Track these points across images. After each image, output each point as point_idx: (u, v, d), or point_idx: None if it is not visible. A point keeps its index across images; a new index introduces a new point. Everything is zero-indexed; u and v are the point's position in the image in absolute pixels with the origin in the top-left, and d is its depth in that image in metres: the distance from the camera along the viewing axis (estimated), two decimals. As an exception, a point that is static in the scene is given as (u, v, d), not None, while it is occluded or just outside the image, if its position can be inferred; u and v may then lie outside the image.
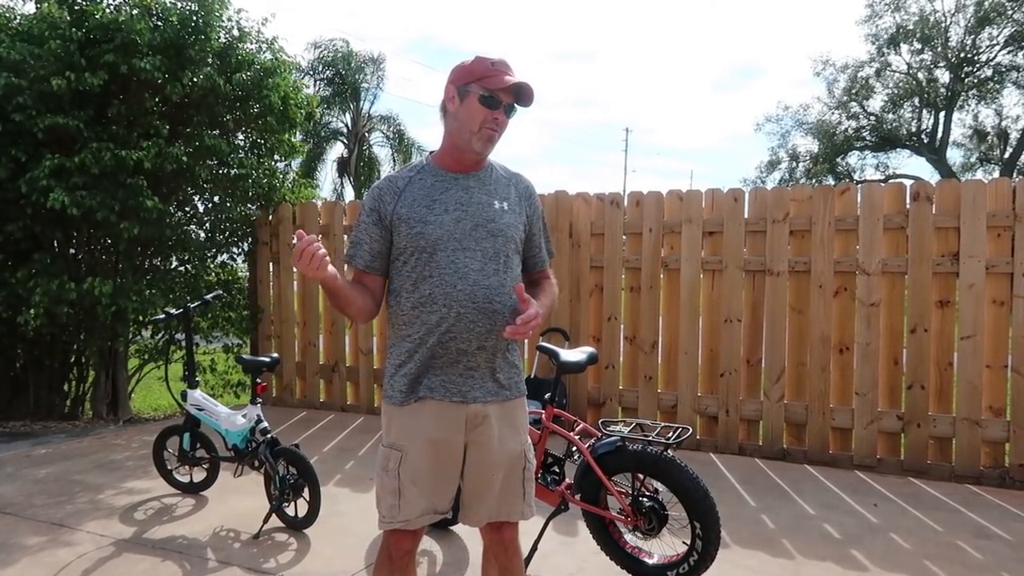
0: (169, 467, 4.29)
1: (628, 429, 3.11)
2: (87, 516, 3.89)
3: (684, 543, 2.97)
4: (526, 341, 5.77)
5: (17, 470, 4.71)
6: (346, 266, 2.20)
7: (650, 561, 3.07)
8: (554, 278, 2.33)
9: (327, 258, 1.90)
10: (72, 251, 6.04)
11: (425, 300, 2.03)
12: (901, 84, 24.41)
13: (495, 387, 2.09)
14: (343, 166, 27.33)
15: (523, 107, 2.07)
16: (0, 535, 3.63)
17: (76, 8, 5.53)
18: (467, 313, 2.01)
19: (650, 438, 3.00)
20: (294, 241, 1.91)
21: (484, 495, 2.12)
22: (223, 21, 5.93)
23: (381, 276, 2.14)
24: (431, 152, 2.18)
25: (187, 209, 6.51)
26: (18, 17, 5.80)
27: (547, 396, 3.22)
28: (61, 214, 5.29)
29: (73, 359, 6.36)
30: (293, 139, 6.65)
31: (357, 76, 26.68)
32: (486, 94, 2.01)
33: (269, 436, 3.77)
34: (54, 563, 3.31)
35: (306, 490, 3.64)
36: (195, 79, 5.62)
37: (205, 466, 4.19)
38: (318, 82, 26.13)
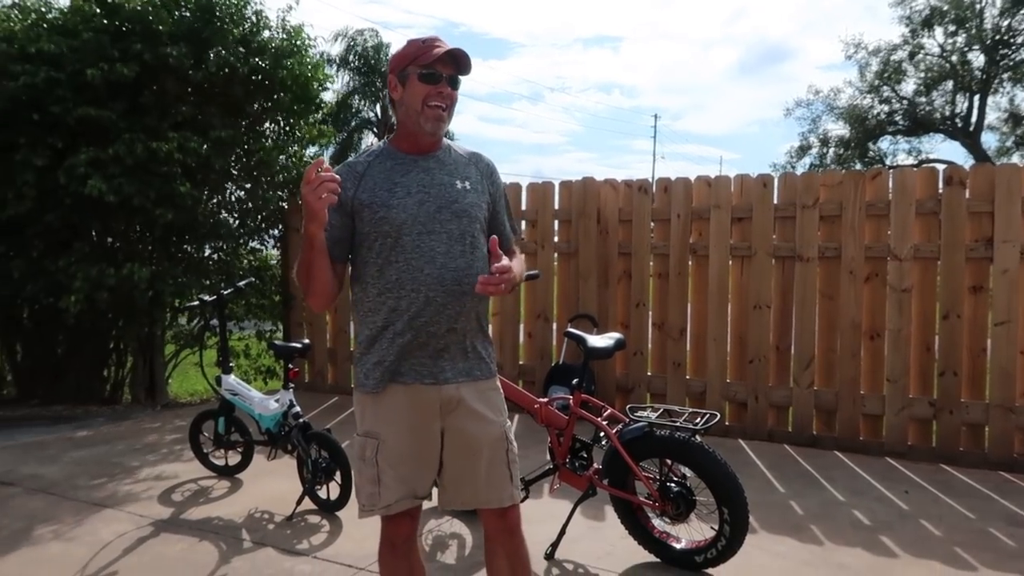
0: (205, 450, 4.39)
1: (656, 415, 3.12)
2: (126, 497, 4.00)
3: (712, 528, 2.99)
4: (553, 329, 5.79)
5: (60, 452, 4.86)
6: None
7: (678, 546, 3.09)
8: (521, 255, 2.30)
9: (334, 197, 1.82)
10: (109, 240, 6.18)
11: (392, 285, 1.99)
12: (935, 67, 23.89)
13: (467, 366, 2.06)
14: (372, 155, 27.46)
15: (464, 75, 2.04)
16: (44, 514, 3.75)
17: (108, 1, 5.63)
18: (436, 296, 1.98)
19: (678, 424, 3.01)
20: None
21: (465, 479, 2.08)
22: (244, 8, 6.01)
23: (342, 263, 2.08)
24: (388, 136, 2.15)
25: (219, 197, 6.62)
26: (54, 11, 5.92)
27: (575, 382, 3.24)
28: (98, 203, 5.41)
29: (112, 345, 6.51)
30: (319, 124, 6.71)
31: (386, 66, 26.77)
32: (424, 71, 1.99)
33: (301, 420, 3.84)
34: (95, 542, 3.42)
35: (338, 473, 3.71)
36: (220, 67, 5.71)
37: (239, 449, 4.29)
38: (348, 72, 26.24)
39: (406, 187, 2.03)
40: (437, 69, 1.99)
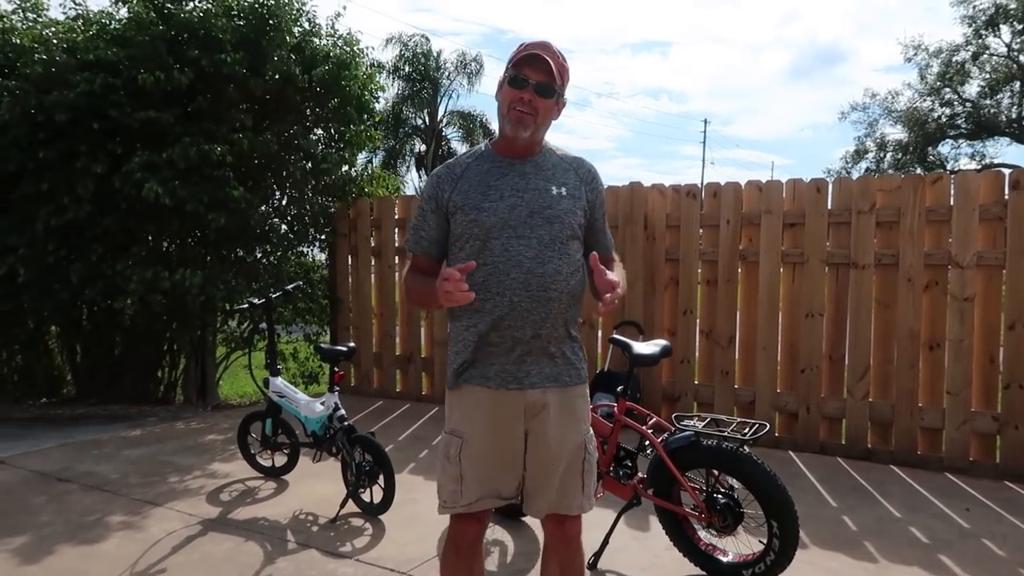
0: (252, 451, 4.46)
1: (703, 424, 3.05)
2: (176, 496, 4.08)
3: (761, 542, 2.90)
4: (598, 336, 5.73)
5: (114, 450, 4.99)
6: (408, 253, 2.18)
7: (725, 559, 3.01)
8: (620, 263, 2.25)
9: (461, 303, 1.86)
10: (164, 244, 6.34)
11: (479, 288, 1.97)
12: (1000, 68, 23.09)
13: (554, 371, 2.05)
14: (420, 161, 27.76)
15: (557, 83, 1.98)
16: (98, 511, 3.85)
17: (164, 11, 5.79)
18: (521, 302, 1.98)
19: (726, 433, 2.93)
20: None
21: (545, 486, 2.09)
22: (296, 16, 6.12)
23: (440, 262, 2.12)
24: (491, 139, 2.16)
25: (270, 202, 6.74)
26: (115, 22, 6.11)
27: (619, 389, 3.19)
28: (153, 207, 5.55)
29: (166, 347, 6.69)
30: (372, 131, 6.80)
31: (436, 73, 27.07)
32: (511, 74, 2.00)
33: (346, 424, 3.87)
34: (145, 539, 3.49)
35: (381, 477, 3.72)
36: (275, 74, 5.81)
37: (286, 451, 4.34)
38: (398, 80, 26.59)
39: (500, 191, 2.03)
40: (522, 74, 1.99)
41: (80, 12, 6.25)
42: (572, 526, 2.15)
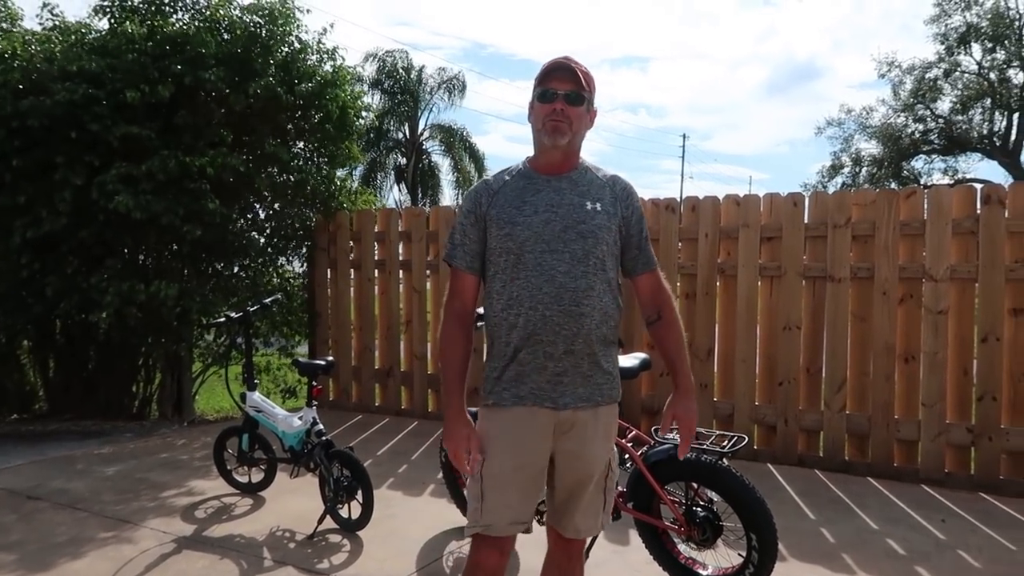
0: (229, 467, 4.40)
1: (682, 437, 3.05)
2: (151, 513, 4.01)
3: (740, 555, 2.90)
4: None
5: (88, 467, 4.90)
6: (447, 265, 2.19)
7: (704, 572, 3.01)
8: (666, 282, 2.25)
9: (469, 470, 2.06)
10: (141, 257, 6.27)
11: (513, 302, 2.02)
12: (971, 85, 23.51)
13: (587, 392, 2.05)
14: (400, 174, 27.73)
15: (584, 91, 2.02)
16: (70, 529, 3.77)
17: (147, 24, 5.75)
18: (553, 316, 1.98)
19: (705, 447, 2.94)
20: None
21: (570, 507, 2.11)
22: (289, 36, 6.11)
23: (478, 276, 2.14)
24: (528, 157, 2.18)
25: (248, 215, 6.69)
26: (94, 32, 6.06)
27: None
28: (129, 220, 5.49)
29: (141, 362, 6.59)
30: (352, 147, 6.78)
31: (417, 87, 27.12)
32: (539, 90, 2.04)
33: (324, 438, 3.83)
34: (119, 558, 3.42)
35: (359, 493, 3.68)
36: (258, 90, 5.78)
37: (263, 467, 4.29)
38: (379, 94, 26.60)
39: (534, 205, 2.05)
40: (551, 87, 2.02)
41: (57, 23, 6.19)
42: (578, 543, 2.20)
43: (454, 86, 27.40)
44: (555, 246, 2.01)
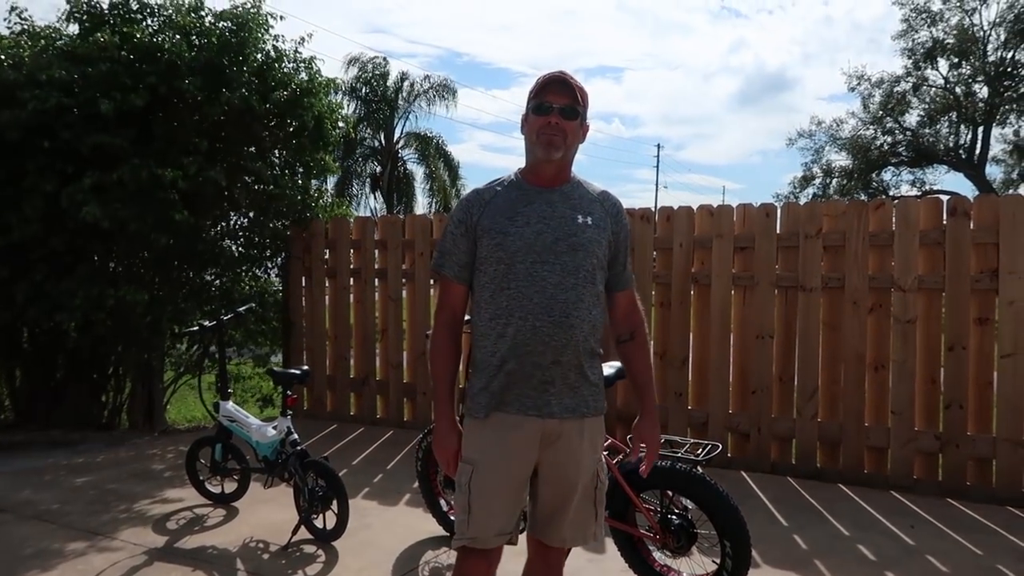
0: (201, 477, 4.35)
1: (657, 445, 3.07)
2: (121, 524, 3.95)
3: (714, 562, 2.93)
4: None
5: (56, 478, 4.81)
6: (435, 275, 2.20)
7: (679, 580, 3.03)
8: (639, 301, 2.30)
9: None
10: (111, 264, 6.18)
11: (501, 311, 2.02)
12: (938, 99, 24.02)
13: (573, 402, 2.06)
14: (375, 182, 27.61)
15: (579, 106, 2.04)
16: (38, 542, 3.70)
17: (119, 31, 5.68)
18: (542, 326, 1.99)
19: (679, 454, 2.97)
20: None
21: (556, 518, 2.11)
22: (262, 44, 6.06)
23: (467, 286, 2.15)
24: (520, 169, 2.19)
25: (222, 224, 6.62)
26: (64, 37, 5.97)
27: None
28: (98, 227, 5.41)
29: (111, 370, 6.49)
30: (327, 157, 6.75)
31: (393, 95, 27.05)
32: (535, 103, 2.05)
33: (299, 448, 3.80)
34: (88, 570, 3.37)
35: (334, 503, 3.66)
36: (233, 99, 5.73)
37: (236, 477, 4.24)
38: (355, 101, 26.50)
39: (526, 217, 2.06)
40: (546, 100, 2.04)
41: (26, 28, 6.10)
42: (558, 553, 2.19)
43: (443, 93, 27.35)
44: (546, 257, 2.03)
